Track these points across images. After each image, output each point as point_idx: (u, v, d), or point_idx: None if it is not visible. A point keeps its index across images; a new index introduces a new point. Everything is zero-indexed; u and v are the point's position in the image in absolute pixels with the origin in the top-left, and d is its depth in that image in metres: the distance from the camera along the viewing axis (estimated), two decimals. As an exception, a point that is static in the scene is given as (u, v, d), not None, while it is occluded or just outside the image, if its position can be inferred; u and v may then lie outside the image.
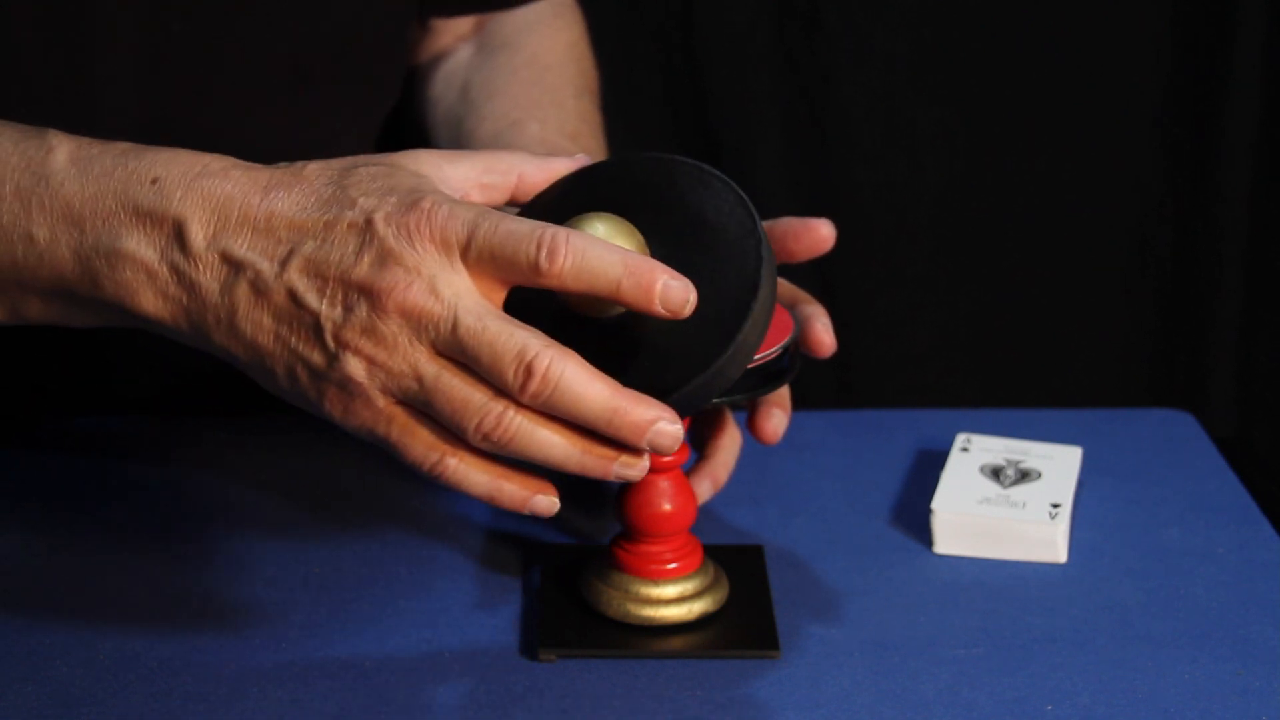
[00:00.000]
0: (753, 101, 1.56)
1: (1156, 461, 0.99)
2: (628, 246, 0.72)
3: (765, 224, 0.84)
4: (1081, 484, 0.95)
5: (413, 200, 0.70)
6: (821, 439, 1.01)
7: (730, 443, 0.90)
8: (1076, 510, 0.92)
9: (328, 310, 0.70)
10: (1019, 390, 1.63)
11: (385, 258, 0.70)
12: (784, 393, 0.88)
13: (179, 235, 0.72)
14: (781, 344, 0.82)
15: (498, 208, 0.75)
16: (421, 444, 0.71)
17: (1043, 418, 1.03)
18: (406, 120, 1.11)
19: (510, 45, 1.09)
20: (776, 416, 0.87)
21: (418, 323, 0.70)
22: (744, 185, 0.77)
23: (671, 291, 0.70)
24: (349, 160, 0.74)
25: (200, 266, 0.72)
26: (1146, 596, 0.86)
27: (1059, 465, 0.93)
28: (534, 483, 0.73)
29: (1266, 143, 1.57)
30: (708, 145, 1.57)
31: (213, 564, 0.89)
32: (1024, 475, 0.92)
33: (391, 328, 0.70)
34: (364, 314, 0.70)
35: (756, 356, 0.77)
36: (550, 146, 1.00)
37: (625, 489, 0.82)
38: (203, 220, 0.72)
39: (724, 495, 0.92)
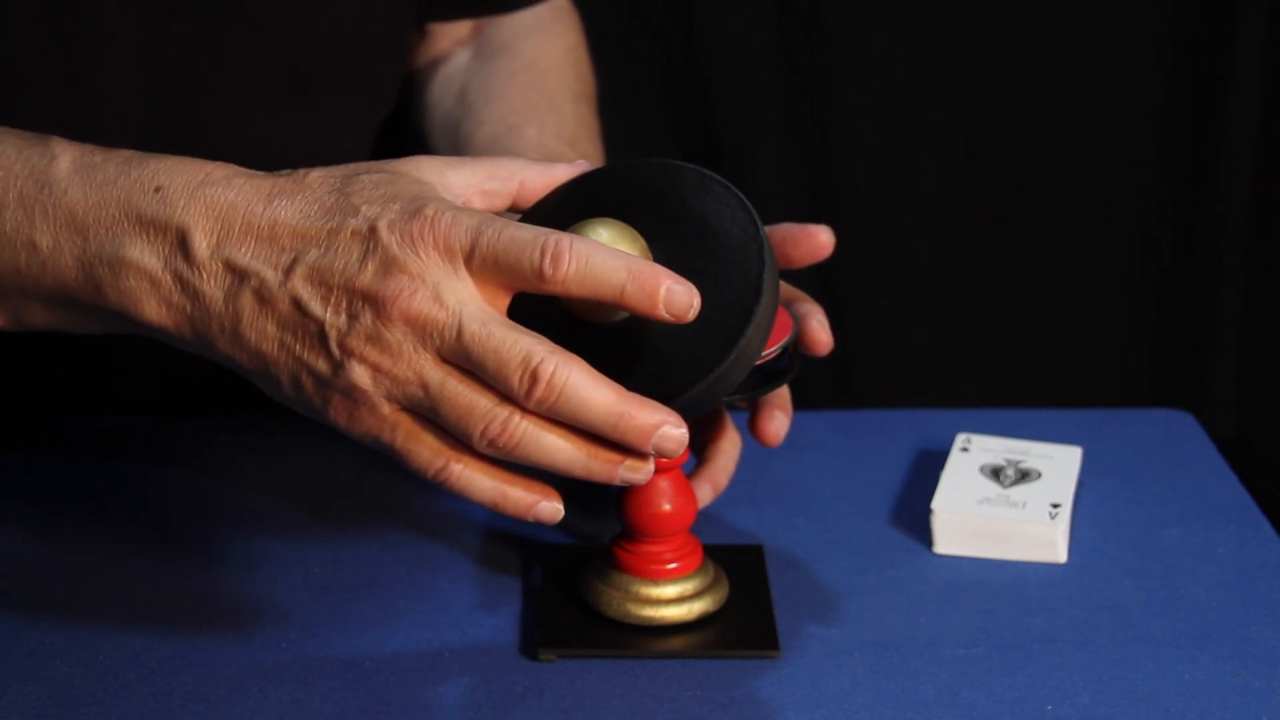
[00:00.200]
0: (753, 101, 1.56)
1: (1156, 461, 0.99)
2: (631, 252, 0.72)
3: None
4: (1081, 484, 0.95)
5: (416, 207, 0.70)
6: (821, 439, 1.01)
7: (730, 446, 0.90)
8: (1076, 510, 0.92)
9: (332, 318, 0.70)
10: (1019, 390, 1.63)
11: (389, 265, 0.70)
12: (785, 394, 0.88)
13: (182, 244, 0.72)
14: (781, 344, 0.82)
15: (499, 214, 0.75)
16: (426, 450, 0.71)
17: (1043, 418, 1.03)
18: (404, 125, 1.11)
19: (508, 50, 1.09)
20: (778, 418, 0.87)
21: (422, 330, 0.70)
22: (744, 185, 0.77)
23: (675, 296, 0.70)
24: (351, 167, 0.74)
25: (204, 275, 0.72)
26: (1146, 596, 0.86)
27: (1059, 465, 0.93)
28: (539, 489, 0.73)
29: (1266, 143, 1.57)
30: (708, 145, 1.57)
31: (213, 564, 0.89)
32: (1024, 475, 0.92)
33: (396, 335, 0.70)
34: (368, 321, 0.70)
35: (757, 358, 0.78)
36: (548, 152, 1.00)
37: (625, 489, 0.82)
38: (206, 229, 0.72)
39: (724, 496, 0.92)
